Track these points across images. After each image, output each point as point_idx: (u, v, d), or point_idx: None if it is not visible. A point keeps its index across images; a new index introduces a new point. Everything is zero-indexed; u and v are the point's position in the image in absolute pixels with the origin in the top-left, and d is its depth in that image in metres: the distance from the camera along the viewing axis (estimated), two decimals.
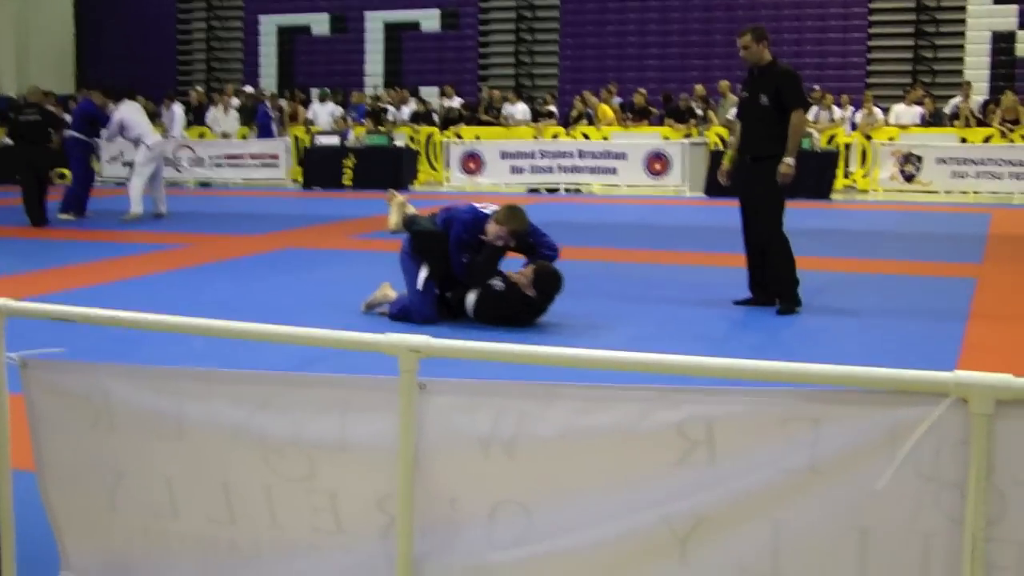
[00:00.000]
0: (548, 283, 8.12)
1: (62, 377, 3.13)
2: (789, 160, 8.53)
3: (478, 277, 8.17)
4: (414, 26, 30.04)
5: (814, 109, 20.94)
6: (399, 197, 8.99)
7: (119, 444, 3.10)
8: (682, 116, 22.86)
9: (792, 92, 8.67)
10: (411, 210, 8.87)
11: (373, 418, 2.78)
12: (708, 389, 2.53)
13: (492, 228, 8.18)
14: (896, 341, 7.66)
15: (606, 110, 23.78)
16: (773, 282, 8.70)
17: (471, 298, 8.19)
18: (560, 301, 8.27)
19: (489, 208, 8.40)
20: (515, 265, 8.41)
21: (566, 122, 23.85)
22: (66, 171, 20.95)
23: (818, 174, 19.45)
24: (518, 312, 8.17)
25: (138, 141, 16.57)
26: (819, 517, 2.45)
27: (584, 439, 2.62)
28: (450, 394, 2.72)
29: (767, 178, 8.57)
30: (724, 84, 22.77)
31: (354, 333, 2.81)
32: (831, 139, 21.30)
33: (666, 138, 22.19)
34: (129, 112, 16.82)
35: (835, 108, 22.43)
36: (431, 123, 24.65)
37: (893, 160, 20.58)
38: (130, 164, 17.06)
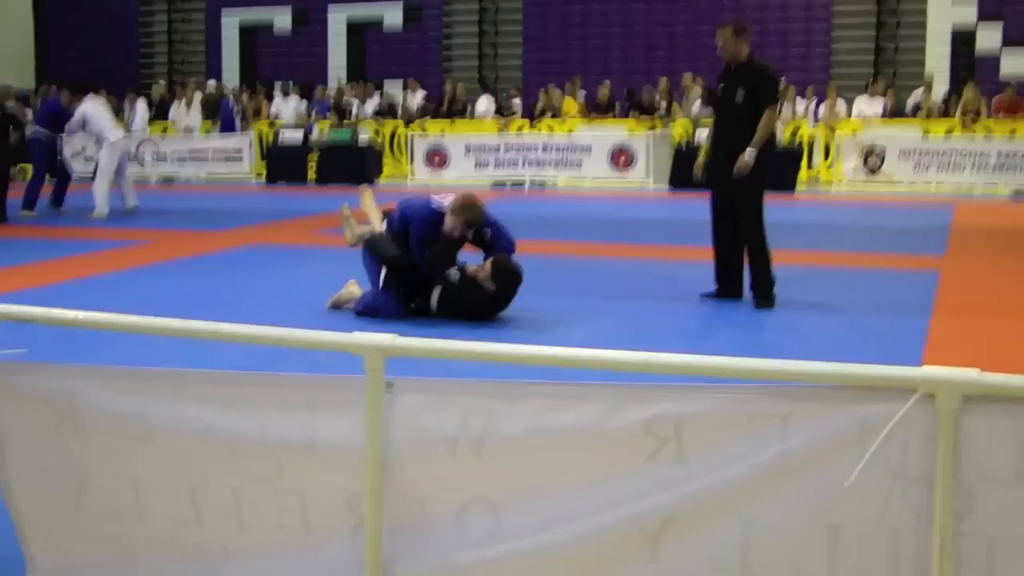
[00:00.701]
0: (507, 277, 8.10)
1: (24, 379, 3.10)
2: (750, 151, 8.46)
3: (434, 268, 8.14)
4: (377, 21, 29.94)
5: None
6: (368, 192, 8.96)
7: (84, 446, 3.06)
8: (646, 110, 22.88)
9: (768, 89, 8.72)
10: (373, 214, 8.79)
11: (340, 418, 2.76)
12: (676, 387, 2.53)
13: (448, 220, 8.17)
14: (861, 336, 7.67)
15: (570, 104, 23.77)
16: (756, 277, 8.66)
17: (434, 295, 8.18)
18: (526, 296, 8.25)
19: (447, 200, 8.37)
20: (472, 259, 8.40)
21: (531, 116, 23.83)
22: (26, 167, 20.73)
23: (783, 167, 19.51)
24: (480, 306, 8.15)
25: (100, 137, 16.45)
26: (788, 514, 2.45)
27: (552, 437, 2.61)
28: (417, 393, 2.71)
29: (748, 175, 8.50)
30: (688, 77, 22.79)
31: (320, 332, 2.80)
32: (795, 132, 21.38)
33: (630, 132, 22.18)
34: (92, 107, 16.66)
35: (798, 100, 22.51)
36: (395, 118, 24.57)
37: (857, 153, 20.69)
38: (93, 161, 16.87)
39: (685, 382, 2.54)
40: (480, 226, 8.28)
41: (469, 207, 8.26)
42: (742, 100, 8.58)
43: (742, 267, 8.81)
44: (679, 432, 2.51)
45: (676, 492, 2.53)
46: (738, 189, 8.59)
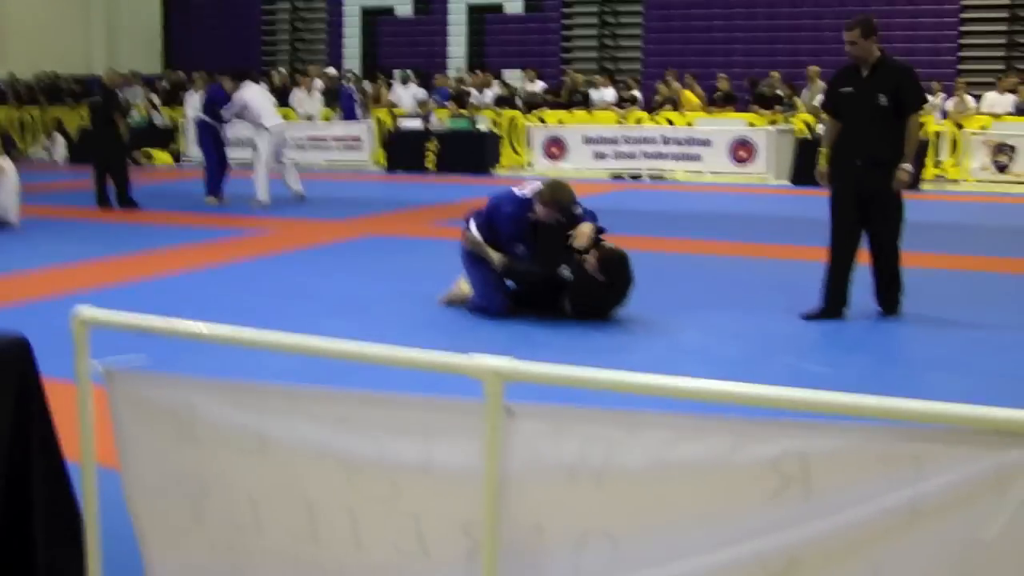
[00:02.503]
0: (615, 265, 8.02)
1: (147, 389, 3.11)
2: (907, 166, 8.12)
3: (544, 262, 8.07)
4: (498, 8, 29.98)
5: None
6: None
7: (203, 458, 3.08)
8: (768, 102, 22.56)
9: (914, 93, 8.26)
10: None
11: (457, 441, 2.72)
12: (803, 423, 2.44)
13: (540, 209, 8.09)
14: (1000, 360, 7.22)
15: (690, 96, 23.55)
16: (890, 286, 8.42)
17: (565, 301, 8.13)
18: (639, 296, 8.18)
19: (528, 188, 8.26)
20: None
21: (650, 107, 23.66)
22: (155, 152, 21.18)
23: None
24: (602, 297, 8.09)
25: (257, 123, 16.63)
26: (921, 561, 2.35)
27: (674, 470, 2.54)
28: (537, 419, 2.66)
29: (892, 184, 8.17)
30: (813, 69, 22.36)
31: (439, 354, 2.76)
32: (921, 128, 20.82)
33: (751, 124, 21.92)
34: (251, 94, 16.91)
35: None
36: (514, 107, 24.59)
37: (985, 150, 20.14)
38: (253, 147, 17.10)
39: (812, 418, 2.45)
40: (573, 208, 8.20)
41: (559, 188, 8.17)
42: (886, 104, 8.12)
43: (848, 286, 8.40)
44: (806, 470, 2.42)
45: (802, 532, 2.44)
46: (886, 199, 8.21)
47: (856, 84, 8.31)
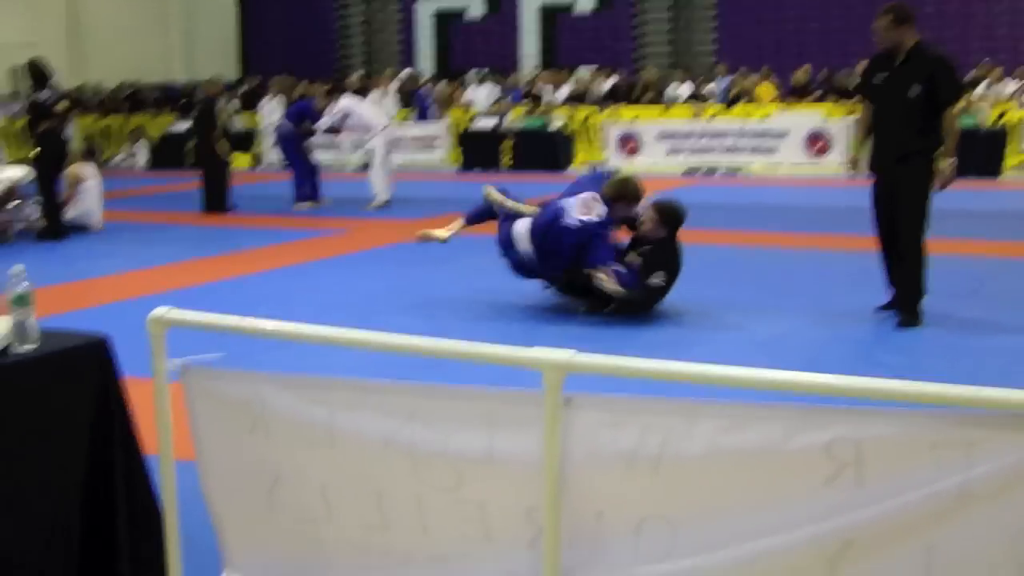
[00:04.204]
0: (673, 213, 8.14)
1: (221, 384, 3.23)
2: (952, 160, 7.73)
3: (652, 296, 8.15)
4: (568, 7, 30.03)
5: (983, 83, 20.19)
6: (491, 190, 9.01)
7: (275, 449, 3.19)
8: (844, 93, 22.34)
9: (949, 84, 7.78)
10: (513, 204, 8.73)
11: (519, 431, 2.80)
12: (856, 410, 2.48)
13: (619, 207, 8.11)
14: None
15: (765, 88, 23.41)
16: (904, 290, 7.98)
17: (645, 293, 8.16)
18: (708, 287, 8.18)
19: (584, 211, 8.05)
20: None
21: (725, 101, 23.55)
22: (235, 156, 21.32)
23: (987, 152, 18.81)
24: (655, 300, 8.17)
25: (367, 128, 16.75)
26: (974, 544, 2.38)
27: (730, 457, 2.60)
28: (595, 409, 2.73)
29: (917, 179, 7.77)
30: None
31: (499, 347, 2.84)
32: (1002, 115, 20.55)
33: (827, 117, 21.73)
34: (353, 102, 17.17)
35: (1007, 81, 21.64)
36: (588, 104, 24.60)
37: None
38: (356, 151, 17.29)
39: (865, 405, 2.49)
40: (641, 195, 8.29)
41: (627, 183, 8.18)
42: (917, 95, 7.70)
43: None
44: (859, 455, 2.47)
45: (856, 516, 2.48)
46: (906, 194, 7.84)
47: (889, 72, 7.95)
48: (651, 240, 8.10)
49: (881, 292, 8.32)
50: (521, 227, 8.29)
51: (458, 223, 9.06)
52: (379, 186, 16.59)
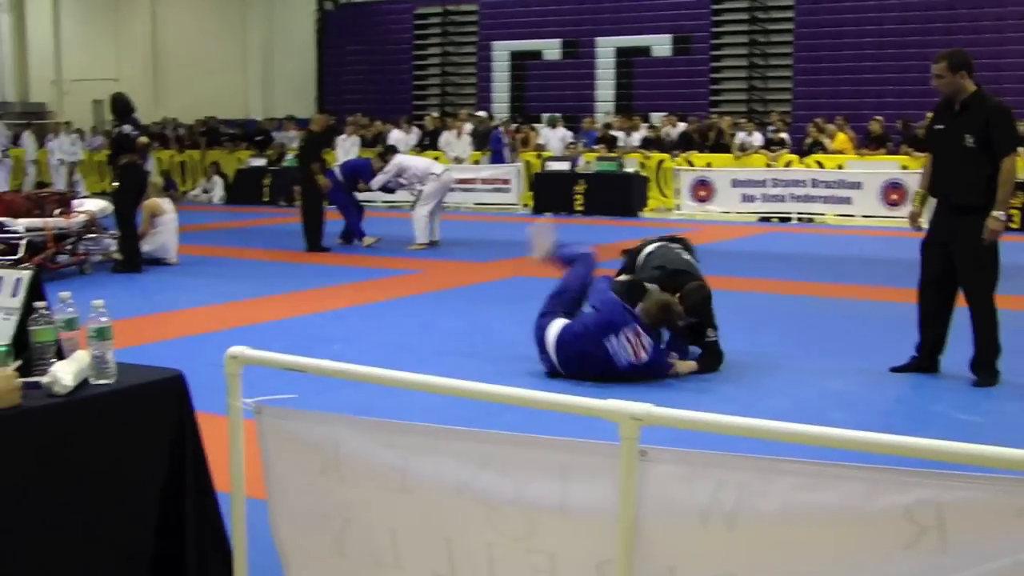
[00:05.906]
0: (701, 304, 8.12)
1: (295, 425, 3.24)
2: (999, 214, 7.47)
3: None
4: (645, 51, 30.07)
5: None
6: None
7: (347, 492, 3.19)
8: (921, 144, 22.11)
9: (1004, 134, 7.54)
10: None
11: (593, 482, 2.78)
12: (938, 473, 2.43)
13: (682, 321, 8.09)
14: None
15: (841, 139, 23.25)
16: (979, 350, 7.72)
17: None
18: (781, 338, 8.11)
19: (633, 352, 7.79)
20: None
21: (799, 150, 23.42)
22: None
23: None
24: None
25: (425, 176, 16.88)
26: None
27: (807, 516, 2.55)
28: (671, 463, 2.70)
29: (976, 232, 7.52)
30: None
31: (576, 398, 2.83)
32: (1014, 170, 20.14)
33: (904, 167, 21.51)
34: (405, 158, 17.53)
35: None
36: (662, 149, 24.56)
37: None
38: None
39: (946, 468, 2.44)
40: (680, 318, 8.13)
41: (671, 311, 7.93)
42: (973, 144, 7.52)
43: (945, 341, 7.97)
44: (941, 520, 2.41)
45: None
46: (969, 249, 7.61)
47: (947, 121, 7.80)
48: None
49: (962, 346, 7.99)
50: (552, 335, 8.06)
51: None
52: (419, 228, 16.71)
